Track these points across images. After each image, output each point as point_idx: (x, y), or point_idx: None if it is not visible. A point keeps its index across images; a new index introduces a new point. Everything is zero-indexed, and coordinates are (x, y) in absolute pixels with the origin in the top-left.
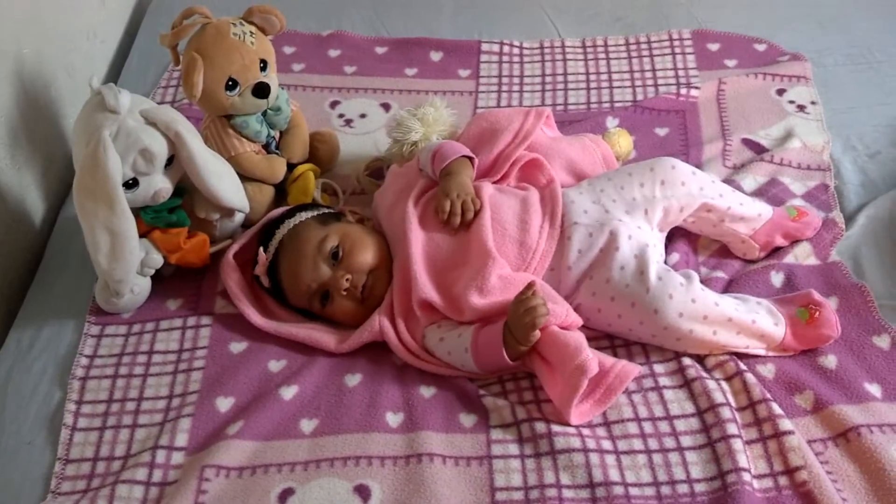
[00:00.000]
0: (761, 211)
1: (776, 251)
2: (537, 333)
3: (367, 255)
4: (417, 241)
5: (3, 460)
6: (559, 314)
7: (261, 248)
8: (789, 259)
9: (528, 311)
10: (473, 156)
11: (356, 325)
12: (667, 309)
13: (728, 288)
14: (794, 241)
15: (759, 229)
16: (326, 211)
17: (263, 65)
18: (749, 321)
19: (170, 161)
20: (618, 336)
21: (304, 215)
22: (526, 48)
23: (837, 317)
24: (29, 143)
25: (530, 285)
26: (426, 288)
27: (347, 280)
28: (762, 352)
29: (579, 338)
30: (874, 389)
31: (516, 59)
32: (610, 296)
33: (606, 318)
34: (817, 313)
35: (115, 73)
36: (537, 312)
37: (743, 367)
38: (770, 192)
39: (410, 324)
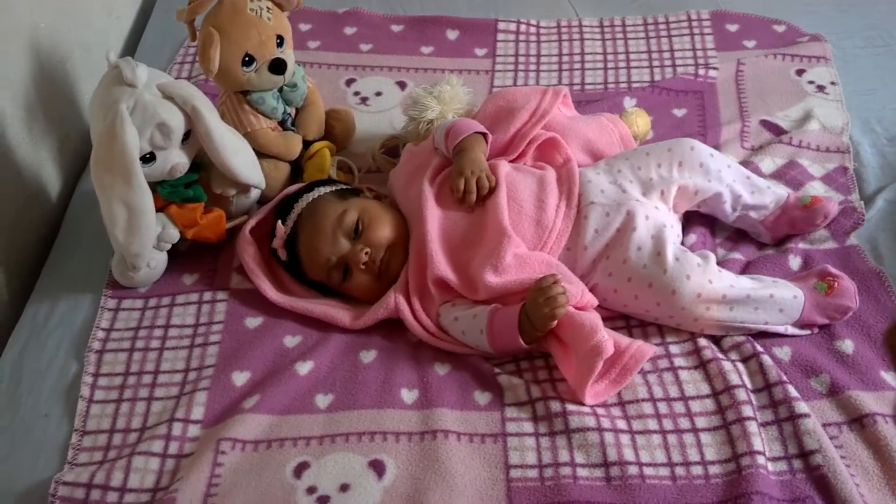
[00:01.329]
0: (773, 199)
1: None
2: (555, 322)
3: (385, 230)
4: (434, 219)
5: (20, 432)
6: (574, 294)
7: (279, 222)
8: (807, 242)
9: (549, 300)
10: (487, 132)
11: (372, 300)
12: (685, 290)
13: (745, 270)
14: (806, 231)
15: (769, 216)
16: (344, 187)
17: (280, 41)
18: (767, 295)
19: (186, 136)
20: (634, 316)
21: (322, 190)
22: (543, 27)
23: (856, 287)
24: (45, 119)
25: (553, 275)
26: (441, 266)
27: (366, 254)
28: (782, 329)
29: (594, 318)
30: (890, 378)
31: (533, 38)
32: (627, 276)
33: (623, 299)
34: (836, 283)
35: (130, 49)
36: (557, 303)
37: (759, 348)
38: (788, 175)
39: (425, 302)
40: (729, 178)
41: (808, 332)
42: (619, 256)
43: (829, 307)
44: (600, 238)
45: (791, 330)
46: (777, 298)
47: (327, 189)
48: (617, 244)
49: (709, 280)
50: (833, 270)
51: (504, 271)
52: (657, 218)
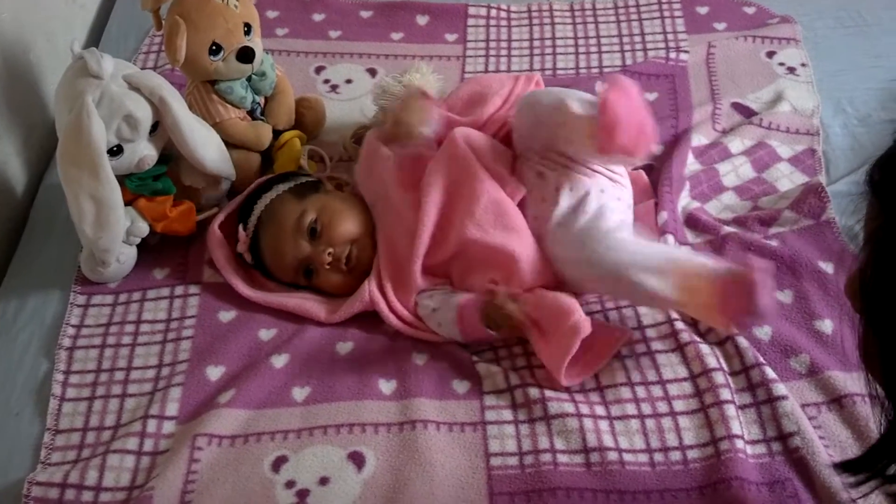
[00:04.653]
0: None
1: (765, 221)
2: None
3: (346, 225)
4: (432, 212)
5: None
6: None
7: (240, 226)
8: (777, 228)
9: (504, 317)
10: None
11: (346, 294)
12: (602, 254)
13: (717, 253)
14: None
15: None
16: (304, 181)
17: (247, 29)
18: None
19: (154, 127)
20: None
21: (280, 188)
22: (514, 12)
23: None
24: (9, 111)
25: (492, 292)
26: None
27: (329, 254)
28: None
29: (571, 299)
30: None
31: (504, 23)
32: (555, 255)
33: (575, 280)
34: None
35: (95, 39)
36: (512, 316)
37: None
38: (757, 154)
39: (400, 292)
40: None
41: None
42: (549, 237)
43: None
44: (540, 225)
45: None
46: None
47: (285, 186)
48: (547, 226)
49: (619, 238)
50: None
51: (482, 220)
52: (580, 188)
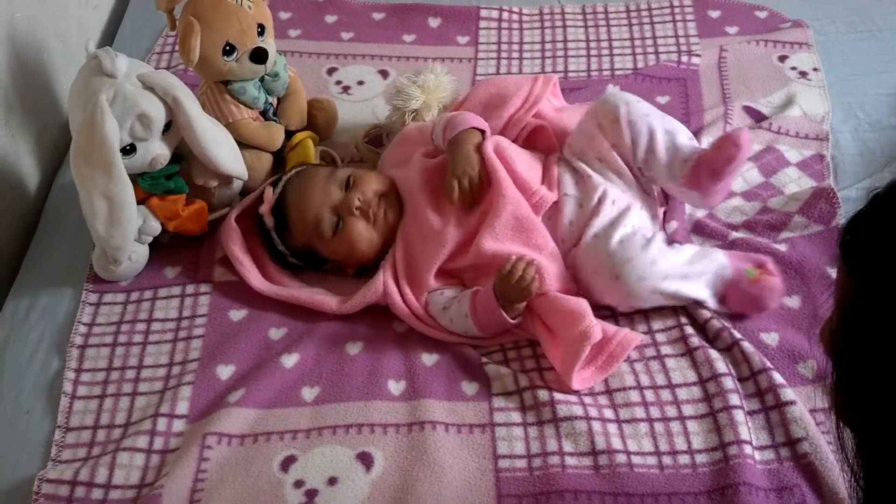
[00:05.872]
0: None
1: (775, 226)
2: (532, 294)
3: (376, 183)
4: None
5: (2, 429)
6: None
7: (269, 187)
8: (787, 233)
9: (518, 283)
10: (486, 128)
11: (367, 255)
12: (628, 275)
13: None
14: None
15: (685, 170)
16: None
17: (261, 29)
18: (698, 272)
19: (167, 127)
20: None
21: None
22: (525, 14)
23: (782, 291)
24: (22, 110)
25: (510, 257)
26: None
27: (359, 199)
28: (711, 303)
29: (583, 304)
30: None
31: (515, 25)
32: (581, 262)
33: (590, 288)
34: (764, 277)
35: (108, 39)
36: (525, 281)
37: (738, 335)
38: (764, 159)
39: (415, 288)
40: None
41: (724, 310)
42: (581, 244)
43: (745, 295)
44: (575, 230)
45: (713, 304)
46: (708, 276)
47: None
48: (583, 233)
49: (650, 262)
50: (770, 266)
51: (500, 235)
52: (623, 201)
